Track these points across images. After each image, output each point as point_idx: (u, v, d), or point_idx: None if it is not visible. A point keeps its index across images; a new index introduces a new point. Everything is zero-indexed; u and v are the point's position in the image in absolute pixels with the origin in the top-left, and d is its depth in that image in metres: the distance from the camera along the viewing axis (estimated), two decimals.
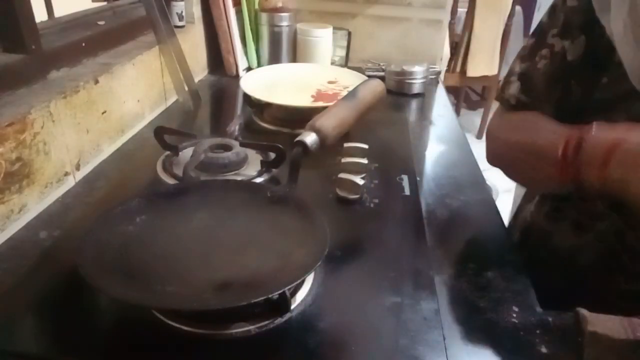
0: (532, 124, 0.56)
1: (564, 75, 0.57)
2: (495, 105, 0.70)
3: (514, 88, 0.62)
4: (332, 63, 1.30)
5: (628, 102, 0.51)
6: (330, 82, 1.05)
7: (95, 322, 0.46)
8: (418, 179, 0.76)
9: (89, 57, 0.83)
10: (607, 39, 0.51)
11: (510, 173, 0.61)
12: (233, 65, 1.20)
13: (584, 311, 0.47)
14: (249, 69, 1.24)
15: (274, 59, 1.24)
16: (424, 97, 1.17)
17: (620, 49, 0.49)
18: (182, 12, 1.08)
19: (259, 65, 1.25)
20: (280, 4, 1.20)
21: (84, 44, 0.81)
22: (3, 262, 0.54)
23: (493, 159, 0.64)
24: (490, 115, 0.71)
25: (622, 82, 0.50)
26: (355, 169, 0.71)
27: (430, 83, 1.23)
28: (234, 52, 1.18)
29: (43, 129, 0.63)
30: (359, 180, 0.66)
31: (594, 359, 0.44)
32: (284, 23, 1.20)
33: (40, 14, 0.78)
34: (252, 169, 0.73)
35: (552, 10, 0.60)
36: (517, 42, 2.77)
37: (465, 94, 3.34)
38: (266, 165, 0.72)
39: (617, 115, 0.52)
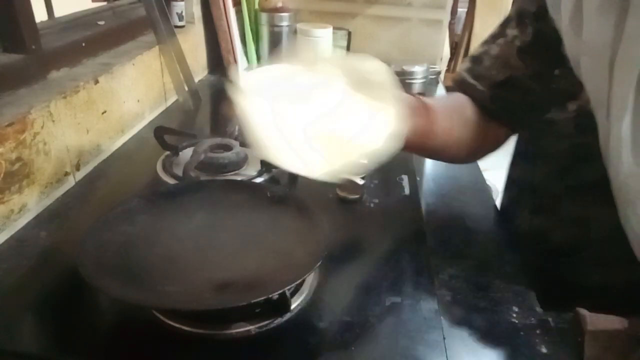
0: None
1: (510, 63, 0.57)
2: None
3: (464, 67, 0.63)
4: None
5: (578, 93, 0.54)
6: None
7: (95, 322, 0.46)
8: (418, 179, 0.76)
9: (89, 57, 0.83)
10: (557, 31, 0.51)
11: None
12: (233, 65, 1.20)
13: (584, 311, 0.47)
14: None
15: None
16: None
17: (565, 40, 0.49)
18: (182, 12, 1.08)
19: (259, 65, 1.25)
20: (280, 4, 1.20)
21: (84, 44, 0.81)
22: (3, 262, 0.54)
23: None
24: None
25: (573, 74, 0.50)
26: None
27: (430, 83, 1.22)
28: (234, 52, 1.18)
29: (43, 129, 0.63)
30: (359, 180, 0.66)
31: (594, 359, 0.44)
32: (284, 23, 1.20)
33: (40, 14, 0.78)
34: (252, 169, 0.73)
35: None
36: None
37: None
38: (266, 165, 0.72)
39: (570, 105, 0.56)
